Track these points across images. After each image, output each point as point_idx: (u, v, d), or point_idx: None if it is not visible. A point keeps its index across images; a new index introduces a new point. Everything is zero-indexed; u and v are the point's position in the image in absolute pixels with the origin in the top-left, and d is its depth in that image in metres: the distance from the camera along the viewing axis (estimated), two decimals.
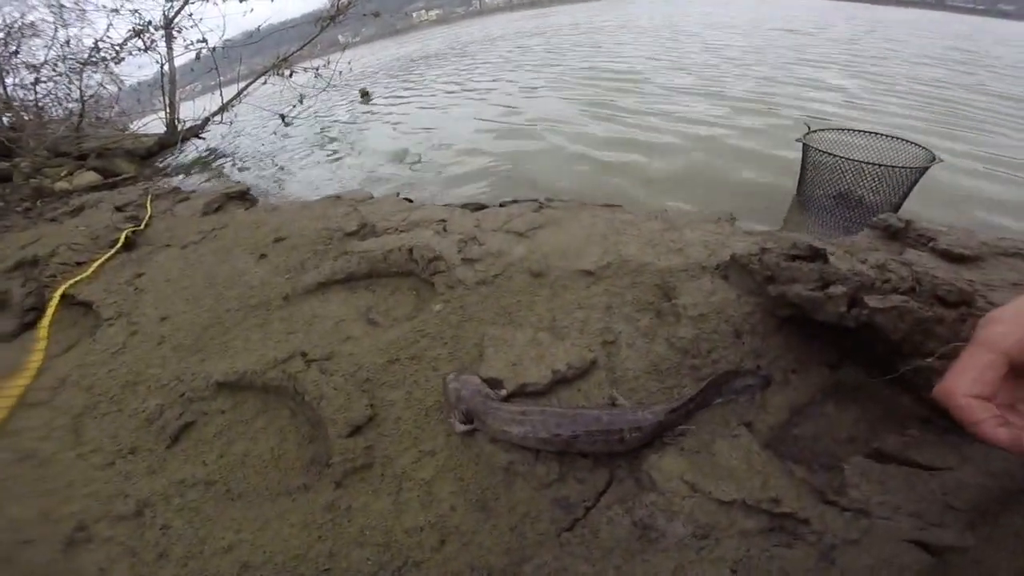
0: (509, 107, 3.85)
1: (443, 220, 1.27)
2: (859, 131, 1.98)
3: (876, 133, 1.93)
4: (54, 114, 5.92)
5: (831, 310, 0.65)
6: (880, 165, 1.61)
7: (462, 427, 0.63)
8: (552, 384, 0.68)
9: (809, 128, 1.86)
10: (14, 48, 5.34)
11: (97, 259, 1.60)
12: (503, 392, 0.66)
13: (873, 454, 0.56)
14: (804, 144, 1.79)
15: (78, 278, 1.44)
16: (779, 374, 0.67)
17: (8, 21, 5.10)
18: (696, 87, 3.82)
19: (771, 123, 2.75)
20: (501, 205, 1.43)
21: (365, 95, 5.94)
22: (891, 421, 0.61)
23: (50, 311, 1.29)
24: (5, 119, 5.57)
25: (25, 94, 5.68)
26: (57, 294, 1.35)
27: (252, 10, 5.04)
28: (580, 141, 2.68)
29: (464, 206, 1.48)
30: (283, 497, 0.64)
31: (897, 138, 1.83)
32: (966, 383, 0.42)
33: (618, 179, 2.11)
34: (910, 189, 1.60)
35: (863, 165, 1.64)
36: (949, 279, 0.66)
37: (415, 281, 1.03)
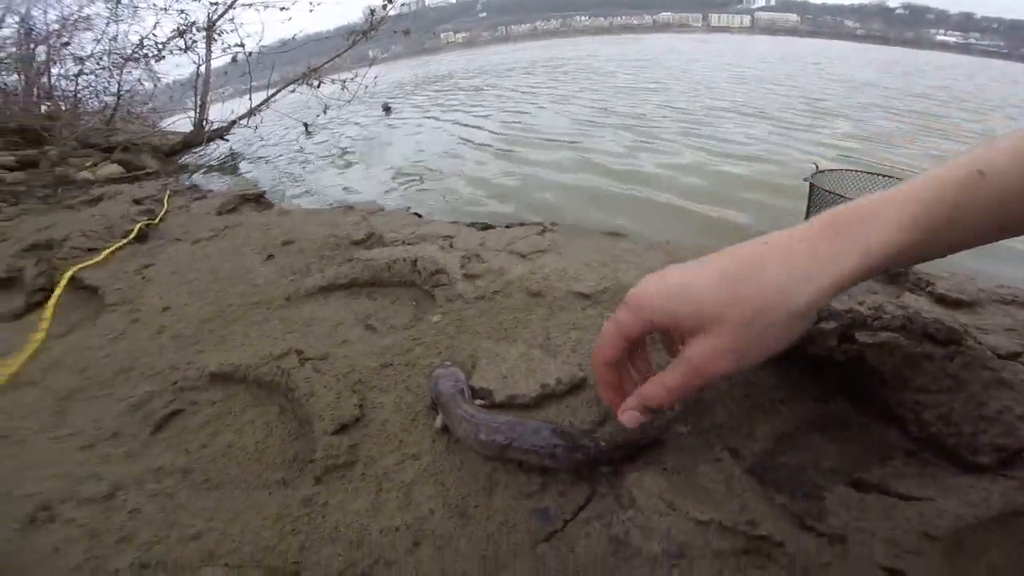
0: (523, 129, 3.93)
1: (449, 236, 1.30)
2: (869, 172, 1.98)
3: (886, 175, 1.93)
4: (90, 106, 6.09)
5: (822, 344, 0.66)
6: None
7: (439, 423, 0.63)
8: (540, 398, 0.68)
9: (817, 167, 1.88)
10: (66, 39, 5.53)
11: (108, 247, 1.63)
12: (483, 402, 0.66)
13: (855, 483, 0.56)
14: (811, 184, 1.80)
15: (88, 262, 1.47)
16: (768, 403, 0.67)
17: (66, 13, 5.30)
18: (703, 117, 3.88)
19: (776, 160, 2.79)
20: (507, 227, 1.46)
21: (387, 110, 6.08)
22: (875, 453, 0.62)
23: (57, 292, 1.32)
24: (44, 107, 5.76)
25: (67, 85, 5.87)
26: (66, 275, 1.38)
27: (291, 18, 5.21)
28: (586, 170, 2.72)
29: (471, 224, 1.51)
30: (260, 490, 0.64)
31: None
32: (602, 351, 0.50)
33: (619, 212, 2.13)
34: None
35: None
36: (941, 319, 0.66)
37: (416, 292, 1.05)
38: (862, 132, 3.32)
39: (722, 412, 0.67)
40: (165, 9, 5.07)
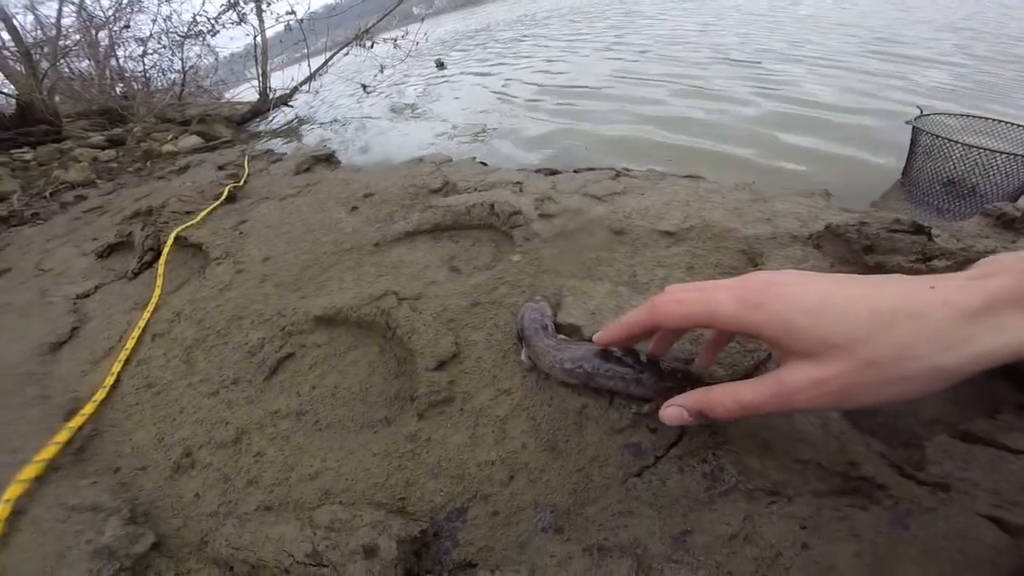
0: (575, 81, 3.79)
1: (519, 182, 1.31)
2: (975, 116, 1.80)
3: (995, 119, 1.76)
4: (159, 84, 6.49)
5: None
6: (1000, 152, 1.47)
7: (524, 356, 0.65)
8: None
9: (921, 111, 1.72)
10: (124, 23, 5.86)
11: (204, 209, 1.76)
12: (564, 337, 0.67)
13: (959, 435, 0.54)
14: (914, 127, 1.65)
15: (188, 223, 1.60)
16: None
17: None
18: (779, 56, 3.56)
19: (872, 103, 2.54)
20: (575, 171, 1.43)
21: (440, 65, 6.04)
22: (982, 406, 0.58)
23: (166, 250, 1.44)
24: (118, 89, 6.20)
25: (134, 66, 6.27)
26: (172, 236, 1.51)
27: None
28: (652, 117, 2.60)
29: (538, 171, 1.50)
30: (367, 429, 0.68)
31: (1020, 125, 1.66)
32: (671, 317, 0.47)
33: (698, 154, 2.04)
34: None
35: (979, 151, 1.50)
36: None
37: (495, 234, 1.08)
38: (962, 83, 2.92)
39: None
40: None
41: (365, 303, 0.85)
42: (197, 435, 0.73)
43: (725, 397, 0.43)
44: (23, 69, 4.79)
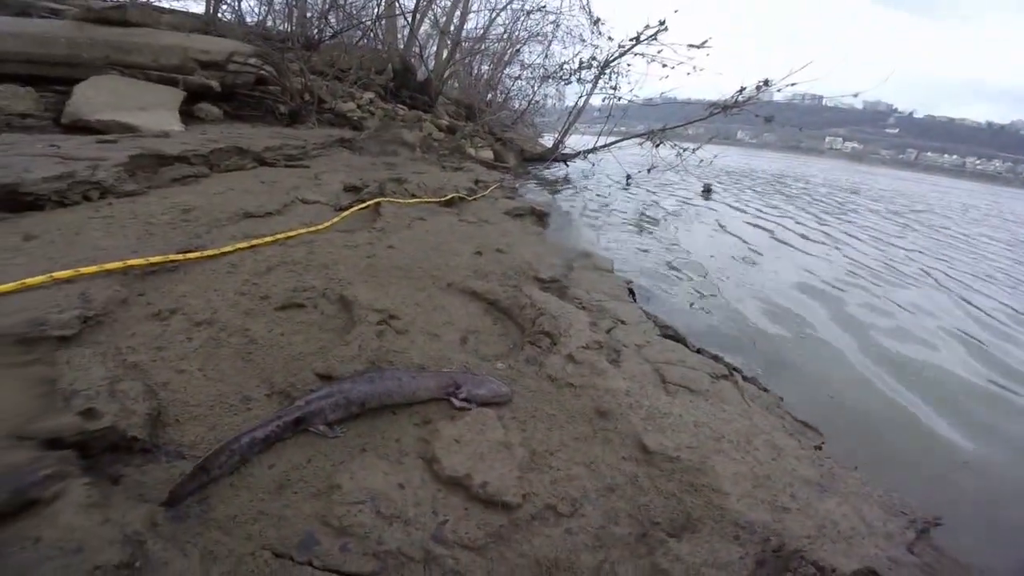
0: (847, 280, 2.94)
1: (619, 320, 1.22)
2: None
3: None
4: (511, 105, 8.02)
5: None
6: None
7: None
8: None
9: None
10: (517, 48, 7.44)
11: (420, 199, 2.19)
12: None
13: None
14: None
15: (396, 200, 2.06)
16: None
17: (530, 26, 7.14)
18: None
19: None
20: (697, 350, 1.23)
21: (707, 191, 5.95)
22: None
23: (359, 207, 1.88)
24: (489, 95, 7.90)
25: (509, 84, 7.89)
26: (375, 200, 1.97)
27: (668, 76, 5.55)
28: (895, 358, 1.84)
29: (664, 328, 1.32)
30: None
31: None
32: None
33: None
34: None
35: None
36: None
37: (520, 338, 1.12)
38: None
39: None
40: (584, 40, 6.26)
41: (372, 308, 1.01)
42: (195, 306, 0.96)
43: None
44: (445, 54, 6.59)
